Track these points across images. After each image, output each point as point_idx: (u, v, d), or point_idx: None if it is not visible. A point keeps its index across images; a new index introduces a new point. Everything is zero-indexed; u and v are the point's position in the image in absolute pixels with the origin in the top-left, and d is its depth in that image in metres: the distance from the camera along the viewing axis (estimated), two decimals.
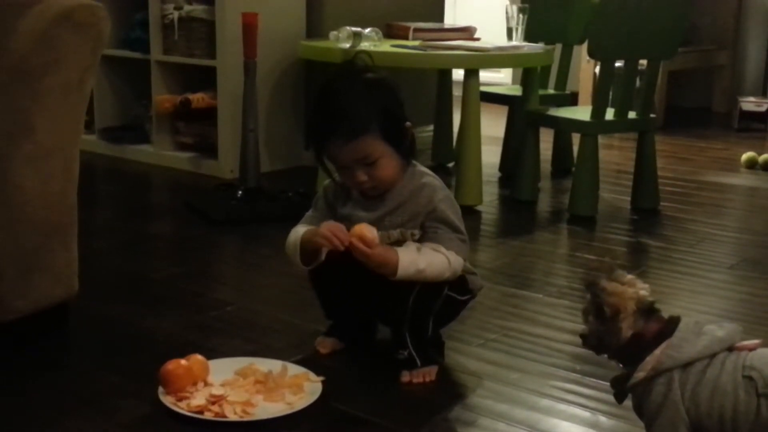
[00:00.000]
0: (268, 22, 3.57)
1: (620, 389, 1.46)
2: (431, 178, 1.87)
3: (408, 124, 1.85)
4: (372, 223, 1.83)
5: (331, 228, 1.78)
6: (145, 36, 3.91)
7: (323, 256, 1.85)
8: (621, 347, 1.43)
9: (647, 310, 1.42)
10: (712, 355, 1.38)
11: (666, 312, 1.45)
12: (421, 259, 1.78)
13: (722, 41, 5.79)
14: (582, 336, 1.49)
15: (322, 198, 1.94)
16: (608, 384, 1.50)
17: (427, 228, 1.83)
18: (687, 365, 1.37)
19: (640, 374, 1.40)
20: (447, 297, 1.86)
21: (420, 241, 1.83)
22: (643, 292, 1.42)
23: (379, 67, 1.91)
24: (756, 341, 1.41)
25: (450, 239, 1.82)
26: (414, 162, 1.88)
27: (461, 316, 2.00)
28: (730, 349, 1.39)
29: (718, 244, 2.97)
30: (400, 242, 1.83)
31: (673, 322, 1.41)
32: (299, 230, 1.88)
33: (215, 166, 3.76)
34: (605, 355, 1.50)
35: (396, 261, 1.76)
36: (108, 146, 4.13)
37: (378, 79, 1.85)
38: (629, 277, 1.44)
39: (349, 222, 1.85)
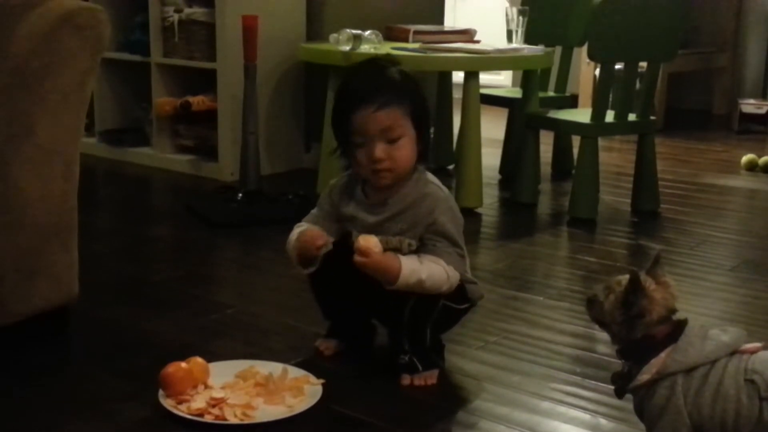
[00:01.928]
0: (268, 25, 3.57)
1: (620, 385, 1.46)
2: (436, 188, 1.85)
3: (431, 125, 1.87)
4: (373, 226, 1.83)
5: (306, 237, 1.82)
6: (146, 39, 3.91)
7: (318, 262, 1.86)
8: (629, 344, 1.43)
9: (667, 316, 1.42)
10: (716, 360, 1.37)
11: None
12: (423, 270, 1.77)
13: (722, 43, 5.80)
14: (589, 300, 1.48)
15: (327, 197, 1.94)
16: (609, 387, 1.51)
17: (425, 240, 1.82)
18: (690, 370, 1.37)
19: (643, 377, 1.39)
20: (444, 306, 1.85)
21: (417, 253, 1.82)
22: (672, 300, 1.42)
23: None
24: (758, 344, 1.41)
25: (448, 253, 1.81)
26: (422, 168, 1.87)
27: (461, 320, 1.99)
28: (733, 352, 1.39)
29: (718, 247, 2.97)
30: (397, 251, 1.82)
31: (681, 326, 1.41)
32: (303, 228, 1.89)
33: (215, 168, 3.76)
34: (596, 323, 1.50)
35: (398, 268, 1.75)
36: (108, 149, 4.13)
37: (409, 73, 1.87)
38: (665, 278, 1.44)
39: (352, 223, 1.86)
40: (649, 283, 1.41)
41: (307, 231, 1.86)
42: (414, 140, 1.82)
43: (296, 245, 1.87)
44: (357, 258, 1.74)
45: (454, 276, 1.81)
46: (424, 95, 1.88)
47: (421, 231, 1.82)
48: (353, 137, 1.80)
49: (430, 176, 1.88)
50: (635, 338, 1.42)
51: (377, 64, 1.89)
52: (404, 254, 1.80)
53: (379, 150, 1.78)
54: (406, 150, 1.80)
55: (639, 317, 1.40)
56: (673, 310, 1.43)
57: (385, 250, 1.80)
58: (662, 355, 1.39)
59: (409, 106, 1.80)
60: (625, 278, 1.43)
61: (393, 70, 1.85)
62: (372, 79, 1.82)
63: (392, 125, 1.78)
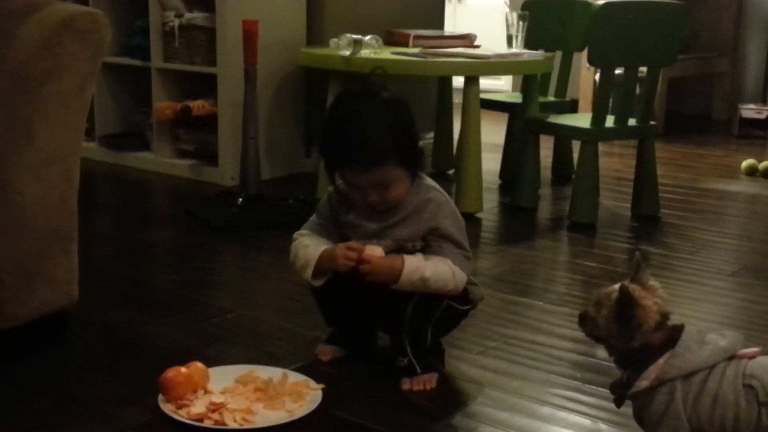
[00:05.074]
0: (268, 30, 3.58)
1: (620, 394, 1.46)
2: (437, 193, 1.85)
3: (421, 144, 1.85)
4: (375, 233, 1.83)
5: (344, 252, 1.78)
6: (146, 43, 3.91)
7: (330, 273, 1.85)
8: (627, 353, 1.43)
9: (662, 322, 1.42)
10: (714, 365, 1.37)
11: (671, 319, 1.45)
12: (428, 267, 1.77)
13: (722, 48, 5.80)
14: (582, 317, 1.48)
15: (326, 204, 1.93)
16: (608, 392, 1.50)
17: (430, 242, 1.83)
18: (689, 375, 1.37)
19: (642, 383, 1.39)
20: (447, 306, 1.86)
21: (423, 253, 1.82)
22: (662, 303, 1.42)
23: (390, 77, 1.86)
24: (756, 349, 1.41)
25: (454, 254, 1.82)
26: (421, 174, 1.87)
27: (461, 324, 1.99)
28: (731, 357, 1.39)
29: (718, 252, 2.97)
30: (396, 252, 1.82)
31: (677, 331, 1.41)
32: (307, 244, 1.87)
33: (215, 173, 3.76)
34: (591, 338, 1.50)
35: (400, 266, 1.76)
36: (108, 153, 4.13)
37: (394, 99, 1.81)
38: (652, 282, 1.44)
39: (352, 229, 1.86)
40: (638, 292, 1.41)
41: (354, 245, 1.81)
42: (406, 174, 1.81)
43: (333, 259, 1.82)
44: (362, 267, 1.75)
45: (461, 276, 1.81)
46: (412, 120, 1.83)
47: (424, 234, 1.83)
48: (345, 182, 1.83)
49: (430, 181, 1.89)
50: (634, 347, 1.42)
51: (367, 89, 1.81)
52: (408, 254, 1.81)
53: (374, 196, 1.79)
54: (399, 189, 1.80)
55: (636, 327, 1.40)
56: (667, 314, 1.43)
57: (388, 253, 1.81)
58: (660, 361, 1.39)
59: (397, 153, 1.77)
60: (613, 290, 1.43)
61: (379, 103, 1.79)
62: (357, 129, 1.75)
63: (383, 179, 1.77)
